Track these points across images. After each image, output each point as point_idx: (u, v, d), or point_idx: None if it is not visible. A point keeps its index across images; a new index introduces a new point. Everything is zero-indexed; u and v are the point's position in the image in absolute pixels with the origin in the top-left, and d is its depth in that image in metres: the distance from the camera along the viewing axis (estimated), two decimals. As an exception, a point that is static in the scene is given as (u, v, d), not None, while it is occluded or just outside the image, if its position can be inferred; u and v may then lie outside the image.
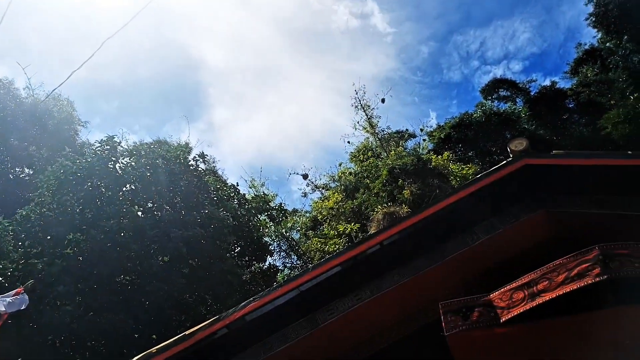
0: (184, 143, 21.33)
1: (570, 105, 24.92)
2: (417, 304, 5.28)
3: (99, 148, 13.92)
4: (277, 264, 22.60)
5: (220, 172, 25.35)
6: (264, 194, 24.42)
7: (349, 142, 30.61)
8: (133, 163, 14.06)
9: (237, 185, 18.58)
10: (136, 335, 11.63)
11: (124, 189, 13.80)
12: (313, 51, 52.50)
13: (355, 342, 5.31)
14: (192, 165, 15.82)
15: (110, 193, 13.21)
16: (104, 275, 11.49)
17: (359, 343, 5.32)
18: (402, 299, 5.22)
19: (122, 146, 14.80)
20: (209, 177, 17.87)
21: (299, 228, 28.84)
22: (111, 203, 12.80)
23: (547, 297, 3.33)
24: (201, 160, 16.89)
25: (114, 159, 13.86)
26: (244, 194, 19.43)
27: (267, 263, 19.84)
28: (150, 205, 13.94)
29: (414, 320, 5.31)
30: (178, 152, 15.65)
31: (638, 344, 3.37)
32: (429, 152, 26.47)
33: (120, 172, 13.78)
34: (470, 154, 26.30)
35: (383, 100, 28.89)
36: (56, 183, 12.88)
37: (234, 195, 17.60)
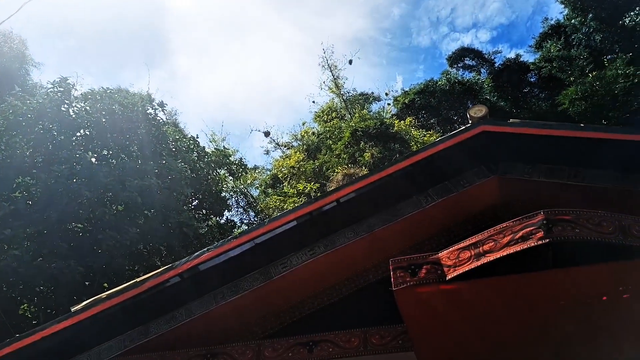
0: (145, 93, 20.59)
1: (532, 79, 25.44)
2: (369, 261, 5.41)
3: (51, 90, 13.28)
4: (235, 220, 22.59)
5: (180, 125, 24.81)
6: (225, 148, 24.06)
7: (314, 101, 30.43)
8: (88, 107, 13.52)
9: (197, 137, 18.17)
10: (87, 283, 11.49)
11: (78, 134, 13.30)
12: (282, 3, 51.11)
13: (307, 295, 5.42)
14: (151, 114, 15.36)
15: (62, 137, 12.71)
16: (54, 221, 11.18)
17: (312, 296, 5.43)
18: (355, 256, 5.33)
19: (76, 89, 14.16)
20: (168, 128, 17.43)
21: (258, 185, 28.76)
22: (63, 148, 12.34)
23: (492, 257, 3.47)
24: (160, 109, 16.38)
25: (67, 102, 13.28)
26: (204, 147, 19.11)
27: (224, 218, 19.78)
28: (105, 152, 13.52)
29: (365, 276, 5.45)
30: (136, 100, 15.13)
31: (573, 303, 3.58)
32: (392, 116, 26.62)
33: (74, 116, 13.23)
34: (432, 121, 26.63)
35: (350, 62, 28.68)
36: (4, 123, 12.27)
37: (193, 148, 17.27)
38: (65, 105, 13.19)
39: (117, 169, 12.73)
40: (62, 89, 13.20)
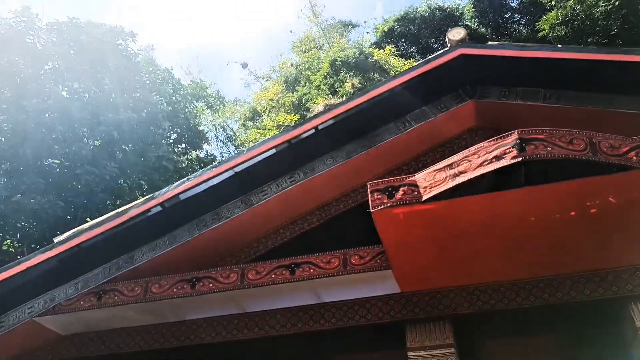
0: (115, 26, 19.63)
1: (514, 4, 24.92)
2: (348, 186, 5.51)
3: (13, 20, 12.59)
4: (215, 154, 22.50)
5: (155, 59, 23.93)
6: (201, 80, 23.52)
7: (291, 31, 29.57)
8: (54, 39, 12.93)
9: (172, 70, 17.69)
10: (69, 218, 11.53)
11: (46, 67, 12.81)
12: None
13: (287, 222, 5.55)
14: (122, 45, 14.78)
15: (30, 70, 12.25)
16: (30, 157, 11.02)
17: (292, 222, 5.56)
18: (334, 182, 5.42)
19: (40, 19, 13.45)
20: (141, 60, 16.86)
21: (237, 118, 28.43)
22: (32, 81, 11.93)
23: (466, 177, 3.56)
24: (131, 39, 15.74)
25: (32, 32, 12.66)
26: (179, 79, 18.65)
27: (204, 152, 19.68)
28: (76, 86, 13.11)
29: (345, 201, 5.57)
30: (104, 30, 14.48)
31: (541, 219, 3.75)
32: (371, 45, 26.09)
33: (40, 47, 12.68)
34: (412, 50, 26.20)
35: (328, -13, 27.57)
36: (-34, 56, 11.73)
37: (168, 80, 16.84)
38: (31, 37, 12.60)
39: (90, 104, 12.42)
40: (25, 19, 12.53)
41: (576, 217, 3.68)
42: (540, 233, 3.89)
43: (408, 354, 4.32)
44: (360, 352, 5.09)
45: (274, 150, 5.23)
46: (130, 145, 13.00)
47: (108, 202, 12.41)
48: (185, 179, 5.17)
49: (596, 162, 3.35)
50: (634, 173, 3.30)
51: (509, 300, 4.31)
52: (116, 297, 4.82)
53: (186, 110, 17.10)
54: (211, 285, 4.75)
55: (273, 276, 4.68)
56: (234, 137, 26.53)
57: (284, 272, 4.69)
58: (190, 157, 17.60)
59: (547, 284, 4.27)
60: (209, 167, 5.28)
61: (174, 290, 4.79)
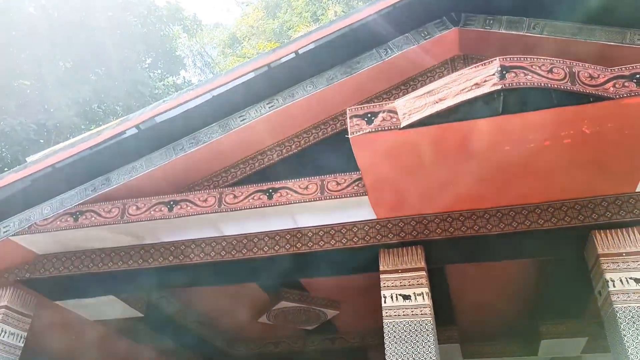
0: None
1: None
2: (328, 113, 5.47)
3: None
4: (192, 80, 21.92)
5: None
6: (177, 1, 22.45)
7: (272, -49, 28.03)
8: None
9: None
10: (42, 141, 11.28)
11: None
12: None
13: (267, 147, 5.53)
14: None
15: (-6, -16, 11.47)
16: (-2, 77, 10.58)
17: (270, 149, 5.54)
18: (314, 109, 5.37)
19: None
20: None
21: (216, 44, 27.54)
22: (-4, -4, 11.21)
23: (445, 104, 3.55)
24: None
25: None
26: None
27: (181, 77, 19.13)
28: (44, 2, 12.37)
29: (324, 129, 5.54)
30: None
31: (516, 149, 3.80)
32: (356, -30, 25.05)
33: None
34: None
35: None
36: None
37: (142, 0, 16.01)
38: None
39: (59, 22, 11.80)
40: None
41: (550, 147, 3.73)
42: (514, 162, 3.96)
43: (381, 277, 4.49)
44: (335, 275, 5.29)
45: (253, 74, 5.11)
46: (103, 68, 12.54)
47: (82, 126, 12.13)
48: (161, 100, 5.06)
49: (574, 92, 3.36)
50: (608, 104, 3.33)
51: (480, 227, 4.45)
52: (93, 218, 4.83)
53: (161, 33, 16.41)
54: (189, 208, 4.78)
55: (251, 200, 4.72)
56: (212, 64, 25.78)
57: (261, 196, 4.72)
58: (167, 83, 17.11)
59: (517, 212, 4.41)
60: (185, 89, 5.16)
61: (152, 212, 4.81)
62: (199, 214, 4.76)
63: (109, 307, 5.69)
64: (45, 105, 11.25)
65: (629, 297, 3.85)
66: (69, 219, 4.86)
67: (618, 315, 3.80)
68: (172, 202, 4.81)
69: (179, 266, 4.96)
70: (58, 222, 4.86)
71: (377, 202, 4.55)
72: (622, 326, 3.75)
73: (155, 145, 5.09)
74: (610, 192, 4.24)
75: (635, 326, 3.73)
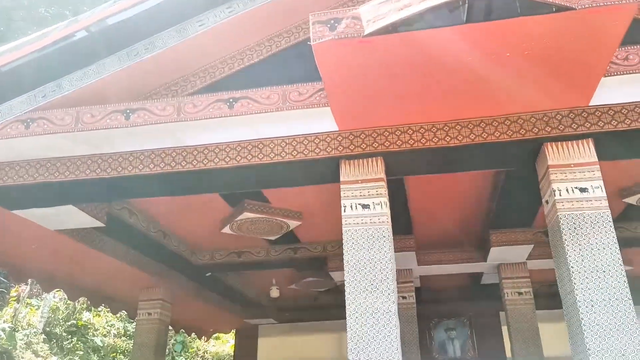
0: None
1: None
2: (290, 21, 5.26)
3: None
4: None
5: None
6: None
7: None
8: None
9: None
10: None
11: None
12: None
13: (226, 56, 5.34)
14: None
15: None
16: None
17: (231, 57, 5.35)
18: (277, 16, 5.16)
19: None
20: None
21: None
22: None
23: (410, 11, 3.45)
24: None
25: None
26: None
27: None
28: None
29: (287, 37, 5.35)
30: None
31: (478, 60, 3.79)
32: None
33: None
34: None
35: None
36: None
37: None
38: None
39: None
40: None
41: (510, 58, 3.74)
42: (475, 75, 3.97)
43: (341, 187, 4.58)
44: (297, 185, 5.36)
45: (210, -25, 4.81)
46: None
47: (29, 32, 11.34)
48: (112, 1, 4.73)
49: (538, 2, 3.32)
50: (571, 14, 3.32)
51: (439, 140, 4.53)
52: (45, 126, 4.65)
53: None
54: (146, 117, 4.66)
55: (211, 110, 4.62)
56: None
57: (222, 106, 4.63)
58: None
59: (475, 125, 4.49)
60: (138, -11, 4.82)
61: (107, 121, 4.67)
62: (157, 123, 4.65)
63: (69, 217, 5.66)
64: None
65: (572, 205, 4.08)
66: (20, 126, 4.66)
67: (561, 221, 4.04)
68: (128, 111, 4.66)
69: (138, 176, 4.90)
70: (9, 130, 4.66)
71: (339, 113, 4.53)
72: (564, 231, 4.01)
73: (108, 50, 4.83)
74: (565, 105, 4.35)
75: (576, 231, 3.99)
